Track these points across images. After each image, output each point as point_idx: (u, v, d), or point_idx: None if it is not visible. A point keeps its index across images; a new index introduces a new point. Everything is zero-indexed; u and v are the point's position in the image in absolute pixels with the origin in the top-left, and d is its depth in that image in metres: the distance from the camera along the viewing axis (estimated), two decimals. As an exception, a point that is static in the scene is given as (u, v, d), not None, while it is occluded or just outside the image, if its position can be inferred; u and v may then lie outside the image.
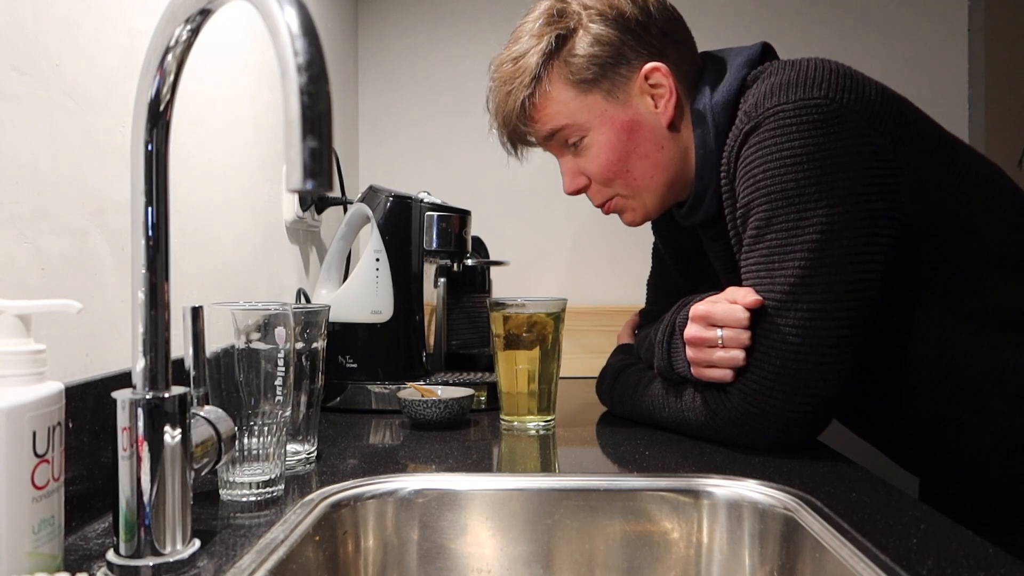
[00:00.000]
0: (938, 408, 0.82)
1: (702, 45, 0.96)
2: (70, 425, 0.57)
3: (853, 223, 0.76)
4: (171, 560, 0.49)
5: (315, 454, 0.79)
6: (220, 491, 0.66)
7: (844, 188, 0.76)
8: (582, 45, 0.89)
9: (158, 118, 0.49)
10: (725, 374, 0.81)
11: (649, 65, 0.89)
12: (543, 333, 0.96)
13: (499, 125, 0.96)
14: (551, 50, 0.89)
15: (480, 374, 1.15)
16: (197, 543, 0.52)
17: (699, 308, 0.82)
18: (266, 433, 0.65)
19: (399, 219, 1.11)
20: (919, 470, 0.94)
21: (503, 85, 0.93)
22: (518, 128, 0.95)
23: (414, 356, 1.12)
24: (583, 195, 0.97)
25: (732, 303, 0.80)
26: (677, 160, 0.92)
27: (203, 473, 0.57)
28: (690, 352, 0.83)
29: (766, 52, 0.91)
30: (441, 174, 1.66)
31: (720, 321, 0.80)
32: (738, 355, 0.79)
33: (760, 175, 0.79)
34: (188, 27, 0.47)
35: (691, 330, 0.82)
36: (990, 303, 0.81)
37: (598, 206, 0.97)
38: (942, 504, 0.78)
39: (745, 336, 0.79)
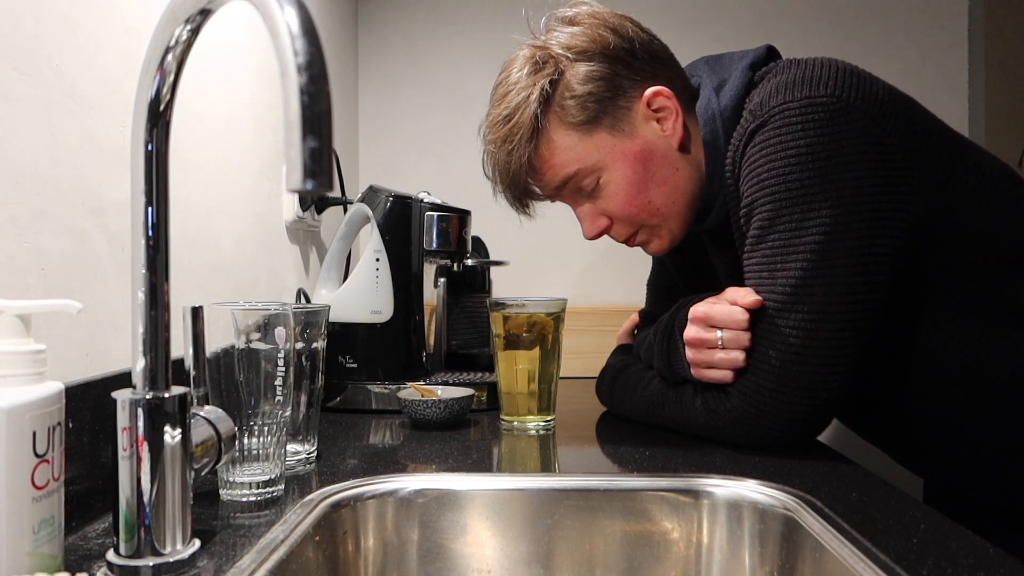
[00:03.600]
0: (947, 409, 0.82)
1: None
2: (70, 425, 0.57)
3: (858, 224, 0.75)
4: (171, 560, 0.49)
5: (315, 454, 0.79)
6: (220, 491, 0.66)
7: (850, 188, 0.75)
8: (574, 86, 0.86)
9: (158, 118, 0.49)
10: (725, 375, 0.80)
11: (650, 90, 0.87)
12: (543, 333, 0.96)
13: (505, 187, 0.92)
14: (545, 99, 0.86)
15: (480, 374, 1.15)
16: (197, 543, 0.52)
17: (698, 309, 0.82)
18: (266, 433, 0.65)
19: (399, 219, 1.11)
20: (925, 472, 0.94)
21: (502, 146, 0.89)
22: (528, 187, 0.92)
23: (414, 356, 1.12)
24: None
25: (732, 304, 0.79)
26: (694, 179, 0.90)
27: (203, 473, 0.57)
28: (690, 353, 0.83)
29: (771, 54, 0.90)
30: (441, 174, 1.66)
31: (720, 323, 0.80)
32: (738, 356, 0.79)
33: (764, 174, 0.78)
34: (188, 27, 0.47)
35: (690, 331, 0.82)
36: (1001, 302, 0.80)
37: (622, 242, 0.94)
38: (948, 506, 0.78)
39: (745, 337, 0.79)
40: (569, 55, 0.87)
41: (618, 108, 0.87)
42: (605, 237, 0.95)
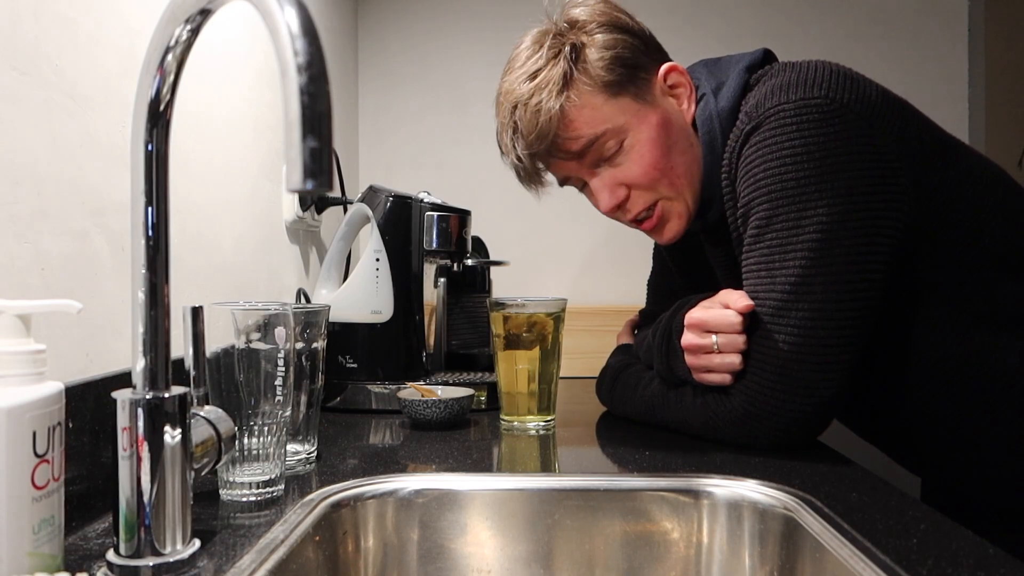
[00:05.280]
0: (943, 408, 0.82)
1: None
2: (70, 425, 0.57)
3: (854, 222, 0.76)
4: (171, 560, 0.49)
5: (315, 454, 0.79)
6: (220, 491, 0.66)
7: (844, 187, 0.76)
8: (600, 51, 0.87)
9: (158, 118, 0.49)
10: (724, 378, 0.81)
11: (667, 65, 0.90)
12: (543, 333, 0.96)
13: (528, 145, 0.88)
14: (572, 59, 0.87)
15: (480, 374, 1.15)
16: (197, 543, 0.52)
17: (693, 315, 0.82)
18: (266, 433, 0.65)
19: (399, 219, 1.11)
20: (922, 470, 0.94)
21: (528, 101, 0.87)
22: (555, 142, 0.88)
23: (414, 356, 1.12)
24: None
25: (725, 307, 0.80)
26: (701, 159, 0.91)
27: (203, 473, 0.57)
28: (689, 359, 0.83)
29: (767, 57, 0.91)
30: (441, 174, 1.66)
31: (714, 327, 0.80)
32: (734, 360, 0.79)
33: (760, 174, 0.79)
34: (188, 27, 0.47)
35: (687, 338, 0.83)
36: (995, 303, 0.81)
37: (636, 216, 0.92)
38: (945, 504, 0.78)
39: (740, 340, 0.79)
40: (589, 26, 0.89)
41: (639, 78, 0.89)
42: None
